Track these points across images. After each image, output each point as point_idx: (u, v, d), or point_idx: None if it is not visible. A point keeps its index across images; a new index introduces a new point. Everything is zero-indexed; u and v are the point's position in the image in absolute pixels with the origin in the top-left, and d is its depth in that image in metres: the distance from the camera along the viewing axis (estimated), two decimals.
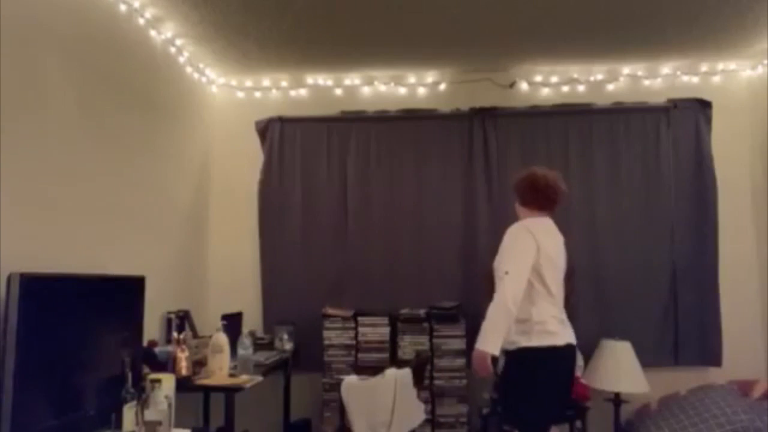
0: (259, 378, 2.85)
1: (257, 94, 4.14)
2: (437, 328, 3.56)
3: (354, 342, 3.62)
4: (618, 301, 3.72)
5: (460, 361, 3.51)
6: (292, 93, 4.12)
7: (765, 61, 3.75)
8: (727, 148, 3.84)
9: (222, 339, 2.79)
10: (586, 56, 3.80)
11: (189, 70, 3.71)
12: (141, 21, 3.04)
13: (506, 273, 2.43)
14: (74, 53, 2.47)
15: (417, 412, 3.15)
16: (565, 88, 3.99)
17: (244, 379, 2.75)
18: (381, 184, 3.94)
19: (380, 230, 3.90)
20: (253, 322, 3.83)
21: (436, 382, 3.52)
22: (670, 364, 3.68)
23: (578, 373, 3.47)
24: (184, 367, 2.67)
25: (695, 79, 3.93)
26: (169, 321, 3.21)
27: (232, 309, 3.69)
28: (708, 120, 3.85)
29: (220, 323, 2.94)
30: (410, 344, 3.57)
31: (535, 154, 3.89)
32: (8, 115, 2.05)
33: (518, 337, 2.46)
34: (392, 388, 2.90)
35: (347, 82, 4.08)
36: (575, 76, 3.99)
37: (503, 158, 3.89)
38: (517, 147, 3.90)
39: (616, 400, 3.42)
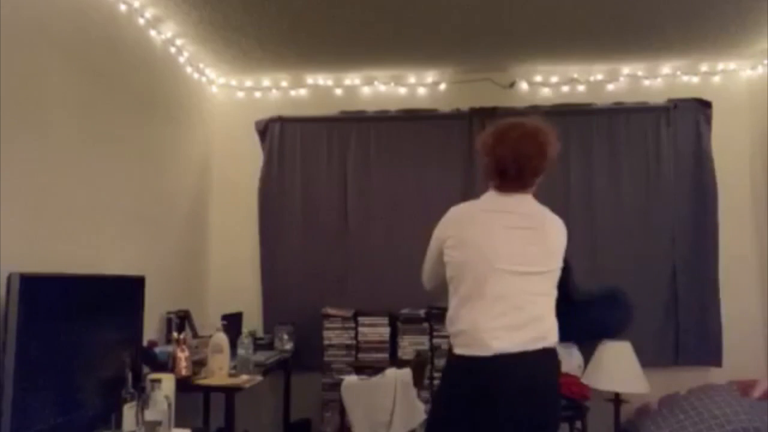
0: (259, 378, 2.85)
1: (257, 94, 4.14)
2: (437, 328, 3.56)
3: (354, 342, 3.62)
4: None
5: None
6: (292, 93, 4.12)
7: (765, 61, 3.75)
8: (727, 148, 3.84)
9: (222, 339, 2.79)
10: (586, 56, 3.79)
11: (189, 70, 3.71)
12: (141, 21, 3.04)
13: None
14: (74, 53, 2.47)
15: (417, 412, 3.14)
16: (565, 88, 3.99)
17: (244, 379, 2.75)
18: (381, 184, 3.94)
19: (380, 230, 3.90)
20: (253, 322, 3.82)
21: (436, 382, 3.51)
22: (670, 364, 3.68)
23: (578, 373, 3.48)
24: (184, 367, 2.67)
25: (695, 79, 3.93)
26: (169, 321, 3.20)
27: (232, 309, 3.69)
28: (708, 120, 3.84)
29: (220, 323, 2.94)
30: (410, 344, 3.57)
31: None
32: (8, 115, 2.05)
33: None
34: (392, 388, 2.90)
35: (347, 82, 4.08)
36: (575, 76, 3.98)
37: None
38: None
39: (616, 400, 3.41)
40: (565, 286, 2.03)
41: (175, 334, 2.90)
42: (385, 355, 3.58)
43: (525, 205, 2.04)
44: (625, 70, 3.95)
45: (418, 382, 3.16)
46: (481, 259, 1.95)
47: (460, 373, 1.96)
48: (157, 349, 2.76)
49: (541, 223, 2.01)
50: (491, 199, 2.07)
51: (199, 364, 2.83)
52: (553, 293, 1.97)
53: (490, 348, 1.85)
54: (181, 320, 3.23)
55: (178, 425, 2.16)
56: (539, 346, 1.88)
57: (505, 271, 1.92)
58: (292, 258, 3.92)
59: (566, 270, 2.04)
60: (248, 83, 4.13)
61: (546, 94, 4.00)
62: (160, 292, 3.09)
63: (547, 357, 1.91)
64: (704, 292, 3.71)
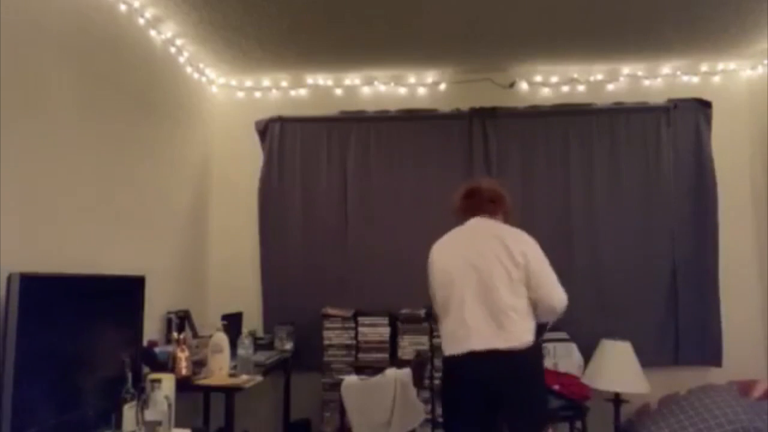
0: (259, 378, 2.85)
1: (257, 94, 4.14)
2: (437, 328, 3.55)
3: (354, 342, 3.62)
4: (618, 301, 3.72)
5: None
6: (292, 93, 4.12)
7: (765, 61, 3.75)
8: (727, 148, 3.84)
9: (222, 339, 2.79)
10: (586, 56, 3.79)
11: (189, 70, 3.71)
12: (141, 21, 3.04)
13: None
14: (74, 54, 2.47)
15: (417, 412, 3.14)
16: (565, 88, 3.99)
17: (244, 379, 2.75)
18: (381, 184, 3.94)
19: (380, 230, 3.90)
20: (253, 322, 3.82)
21: (436, 382, 3.51)
22: (670, 364, 3.68)
23: (578, 373, 3.49)
24: (184, 367, 2.67)
25: (695, 79, 3.93)
26: (169, 321, 3.21)
27: (232, 309, 3.69)
28: (708, 120, 3.84)
29: (220, 323, 2.94)
30: (410, 344, 3.57)
31: (535, 154, 3.89)
32: (8, 115, 2.05)
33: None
34: (392, 388, 2.90)
35: (347, 82, 4.08)
36: (575, 76, 3.98)
37: (503, 158, 3.89)
38: (517, 147, 3.90)
39: (616, 400, 3.41)
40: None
41: (175, 334, 2.91)
42: (385, 355, 3.58)
43: (483, 224, 2.44)
44: (625, 70, 3.95)
45: (418, 382, 3.16)
46: (449, 279, 2.37)
47: (445, 370, 2.43)
48: (157, 349, 2.76)
49: (487, 242, 2.36)
50: (456, 229, 2.51)
51: (199, 364, 2.84)
52: (515, 299, 2.27)
53: (460, 348, 2.27)
54: (181, 320, 3.23)
55: (178, 425, 2.16)
56: (502, 346, 2.21)
57: (469, 286, 2.31)
58: (292, 258, 3.92)
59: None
60: (248, 83, 4.13)
61: (546, 94, 4.00)
62: (160, 292, 3.09)
63: (509, 358, 2.21)
64: (704, 292, 3.71)
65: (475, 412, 2.27)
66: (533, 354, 2.27)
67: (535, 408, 2.30)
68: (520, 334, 2.23)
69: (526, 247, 2.32)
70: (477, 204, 2.48)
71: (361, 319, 3.64)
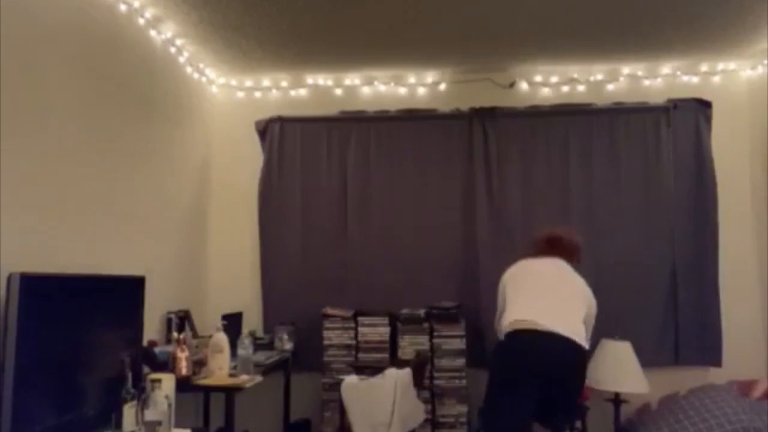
0: (259, 378, 2.85)
1: (257, 94, 4.14)
2: (437, 328, 3.56)
3: (354, 342, 3.62)
4: (618, 301, 3.71)
5: (460, 361, 3.51)
6: (292, 93, 4.13)
7: (765, 61, 3.75)
8: (727, 148, 3.84)
9: (222, 339, 2.79)
10: (586, 56, 3.80)
11: (189, 70, 3.71)
12: (141, 21, 3.05)
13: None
14: (74, 53, 2.47)
15: (417, 412, 3.15)
16: (565, 88, 3.99)
17: (244, 379, 2.75)
18: (381, 184, 3.94)
19: (380, 230, 3.90)
20: (253, 322, 3.83)
21: (436, 382, 3.52)
22: (670, 364, 3.68)
23: None
24: (184, 367, 2.67)
25: (695, 79, 3.93)
26: (169, 321, 3.21)
27: (232, 309, 3.70)
28: (708, 120, 3.84)
29: (220, 323, 2.95)
30: (410, 344, 3.57)
31: (535, 155, 3.89)
32: (8, 115, 2.05)
33: None
34: (392, 388, 2.90)
35: (347, 82, 4.08)
36: (575, 76, 3.98)
37: (503, 158, 3.89)
38: (517, 147, 3.90)
39: (616, 400, 3.41)
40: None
41: (175, 334, 2.91)
42: (385, 355, 3.57)
43: (564, 265, 2.99)
44: (625, 70, 3.95)
45: (418, 382, 3.16)
46: (523, 285, 2.92)
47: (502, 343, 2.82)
48: (157, 349, 2.76)
49: (563, 272, 2.97)
50: (538, 259, 3.04)
51: (199, 364, 2.84)
52: (576, 306, 2.84)
53: (517, 327, 2.71)
54: (181, 320, 3.23)
55: (178, 425, 2.16)
56: (565, 333, 2.64)
57: (538, 291, 2.86)
58: (292, 258, 3.92)
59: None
60: (248, 83, 4.13)
61: (546, 94, 4.00)
62: (160, 292, 3.09)
63: (566, 343, 2.64)
64: (704, 292, 3.71)
65: (522, 386, 2.63)
66: (586, 357, 2.77)
67: (574, 400, 2.83)
68: (581, 336, 2.70)
69: (590, 296, 2.94)
70: (557, 251, 3.02)
71: (361, 319, 3.64)
